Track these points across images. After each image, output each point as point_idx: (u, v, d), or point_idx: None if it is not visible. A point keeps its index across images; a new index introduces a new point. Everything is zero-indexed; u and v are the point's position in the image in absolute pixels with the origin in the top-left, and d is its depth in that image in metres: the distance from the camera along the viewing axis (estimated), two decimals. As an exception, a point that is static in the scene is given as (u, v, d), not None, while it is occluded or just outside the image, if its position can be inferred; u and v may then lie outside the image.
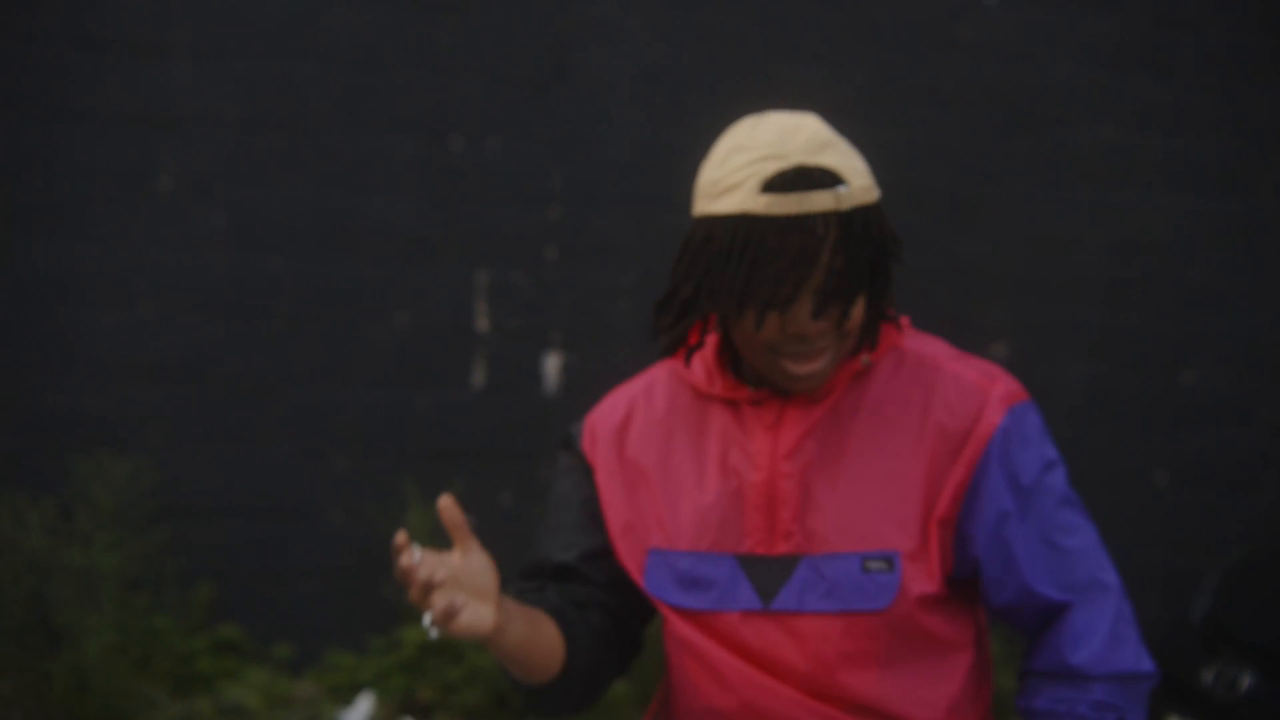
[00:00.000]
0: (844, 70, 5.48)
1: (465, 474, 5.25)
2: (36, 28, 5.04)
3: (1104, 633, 1.64)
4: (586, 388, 5.36)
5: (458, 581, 1.49)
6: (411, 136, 5.28)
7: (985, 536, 1.63)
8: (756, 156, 1.55)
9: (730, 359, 1.71)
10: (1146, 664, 1.66)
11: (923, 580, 1.62)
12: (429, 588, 1.45)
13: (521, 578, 1.77)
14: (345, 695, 5.00)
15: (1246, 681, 3.49)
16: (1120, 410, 5.51)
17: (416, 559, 1.45)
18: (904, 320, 1.71)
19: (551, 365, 5.41)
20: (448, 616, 1.46)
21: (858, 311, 1.60)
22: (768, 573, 1.62)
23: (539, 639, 1.61)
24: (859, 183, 1.57)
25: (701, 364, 1.71)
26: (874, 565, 1.59)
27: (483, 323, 5.35)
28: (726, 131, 1.64)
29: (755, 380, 1.68)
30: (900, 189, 5.53)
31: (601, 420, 1.78)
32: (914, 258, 5.40)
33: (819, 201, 1.53)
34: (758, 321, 1.56)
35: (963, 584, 1.70)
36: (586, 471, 1.76)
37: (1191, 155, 5.65)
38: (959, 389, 1.65)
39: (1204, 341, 5.63)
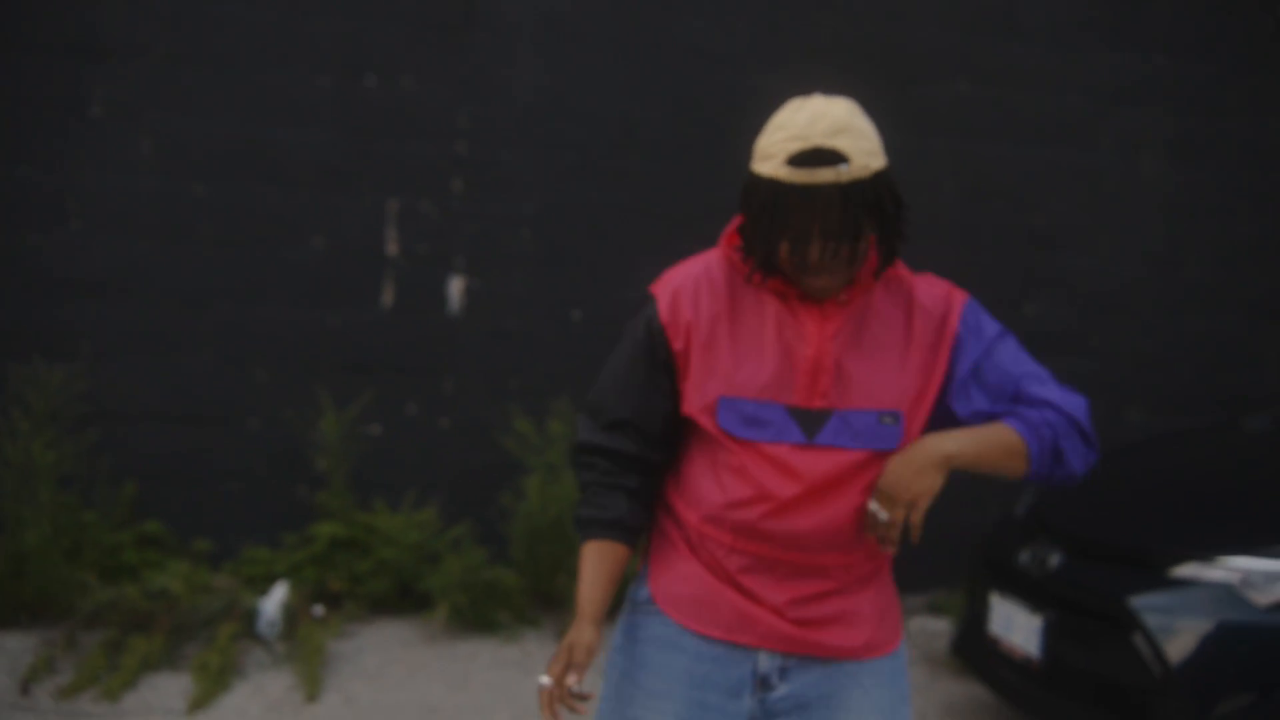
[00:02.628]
0: (729, 22, 5.81)
1: (374, 386, 5.56)
2: (-24, -39, 5.20)
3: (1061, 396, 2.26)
4: (487, 309, 5.66)
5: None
6: (329, 74, 5.51)
7: (963, 372, 2.23)
8: (788, 135, 2.08)
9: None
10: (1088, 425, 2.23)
11: (919, 430, 2.22)
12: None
13: (587, 411, 2.28)
14: (261, 586, 5.30)
15: (1055, 560, 4.04)
16: (968, 339, 5.92)
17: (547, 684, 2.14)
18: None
19: (455, 288, 5.67)
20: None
21: (860, 246, 2.13)
22: (809, 419, 2.17)
23: (616, 584, 2.25)
24: (859, 161, 2.08)
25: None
26: (886, 419, 2.17)
27: (392, 247, 5.61)
28: (780, 109, 2.14)
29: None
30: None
31: (675, 294, 2.24)
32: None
33: (824, 175, 2.06)
34: (788, 251, 2.11)
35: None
36: (663, 338, 2.23)
37: (1038, 110, 6.04)
38: (929, 293, 2.27)
39: (1043, 278, 6.06)
